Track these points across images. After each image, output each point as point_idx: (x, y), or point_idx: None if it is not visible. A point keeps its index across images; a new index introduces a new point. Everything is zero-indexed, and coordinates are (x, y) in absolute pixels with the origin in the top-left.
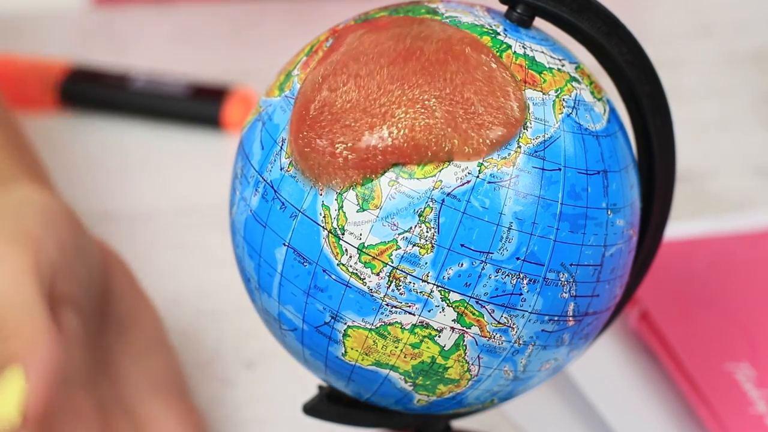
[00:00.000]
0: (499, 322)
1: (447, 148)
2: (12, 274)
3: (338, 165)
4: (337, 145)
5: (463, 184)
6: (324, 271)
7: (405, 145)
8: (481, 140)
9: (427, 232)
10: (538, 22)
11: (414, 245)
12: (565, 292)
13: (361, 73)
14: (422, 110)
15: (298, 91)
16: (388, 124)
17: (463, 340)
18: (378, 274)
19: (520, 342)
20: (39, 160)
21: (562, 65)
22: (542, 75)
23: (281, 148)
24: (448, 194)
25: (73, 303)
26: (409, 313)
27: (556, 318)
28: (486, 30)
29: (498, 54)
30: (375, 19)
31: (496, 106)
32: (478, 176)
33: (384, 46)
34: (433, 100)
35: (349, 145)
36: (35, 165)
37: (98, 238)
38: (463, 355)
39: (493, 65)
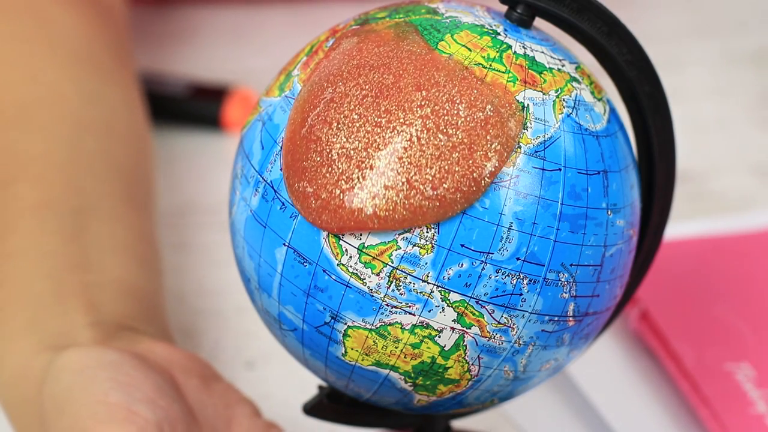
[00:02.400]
0: (499, 323)
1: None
2: None
3: (326, 218)
4: (327, 197)
5: None
6: (324, 271)
7: (398, 219)
8: (482, 183)
9: (427, 232)
10: (538, 22)
11: (414, 245)
12: (565, 293)
13: (345, 127)
14: (410, 204)
15: (287, 127)
16: (375, 206)
17: (463, 341)
18: (378, 275)
19: (520, 342)
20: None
21: (562, 65)
22: (542, 75)
23: (281, 148)
24: None
25: None
26: (409, 313)
27: (556, 318)
28: (486, 30)
29: (498, 54)
30: (370, 30)
31: (485, 143)
32: None
33: (365, 94)
34: (418, 197)
35: (336, 203)
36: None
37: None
38: (463, 355)
39: (468, 109)
